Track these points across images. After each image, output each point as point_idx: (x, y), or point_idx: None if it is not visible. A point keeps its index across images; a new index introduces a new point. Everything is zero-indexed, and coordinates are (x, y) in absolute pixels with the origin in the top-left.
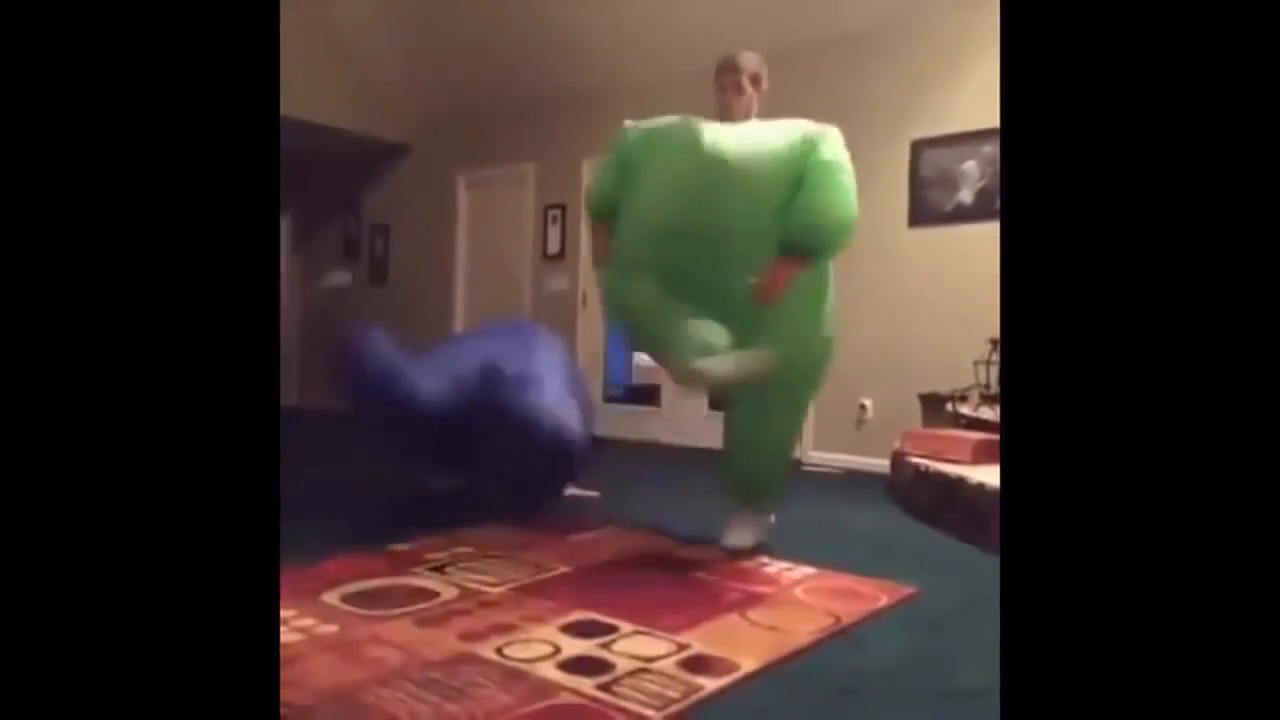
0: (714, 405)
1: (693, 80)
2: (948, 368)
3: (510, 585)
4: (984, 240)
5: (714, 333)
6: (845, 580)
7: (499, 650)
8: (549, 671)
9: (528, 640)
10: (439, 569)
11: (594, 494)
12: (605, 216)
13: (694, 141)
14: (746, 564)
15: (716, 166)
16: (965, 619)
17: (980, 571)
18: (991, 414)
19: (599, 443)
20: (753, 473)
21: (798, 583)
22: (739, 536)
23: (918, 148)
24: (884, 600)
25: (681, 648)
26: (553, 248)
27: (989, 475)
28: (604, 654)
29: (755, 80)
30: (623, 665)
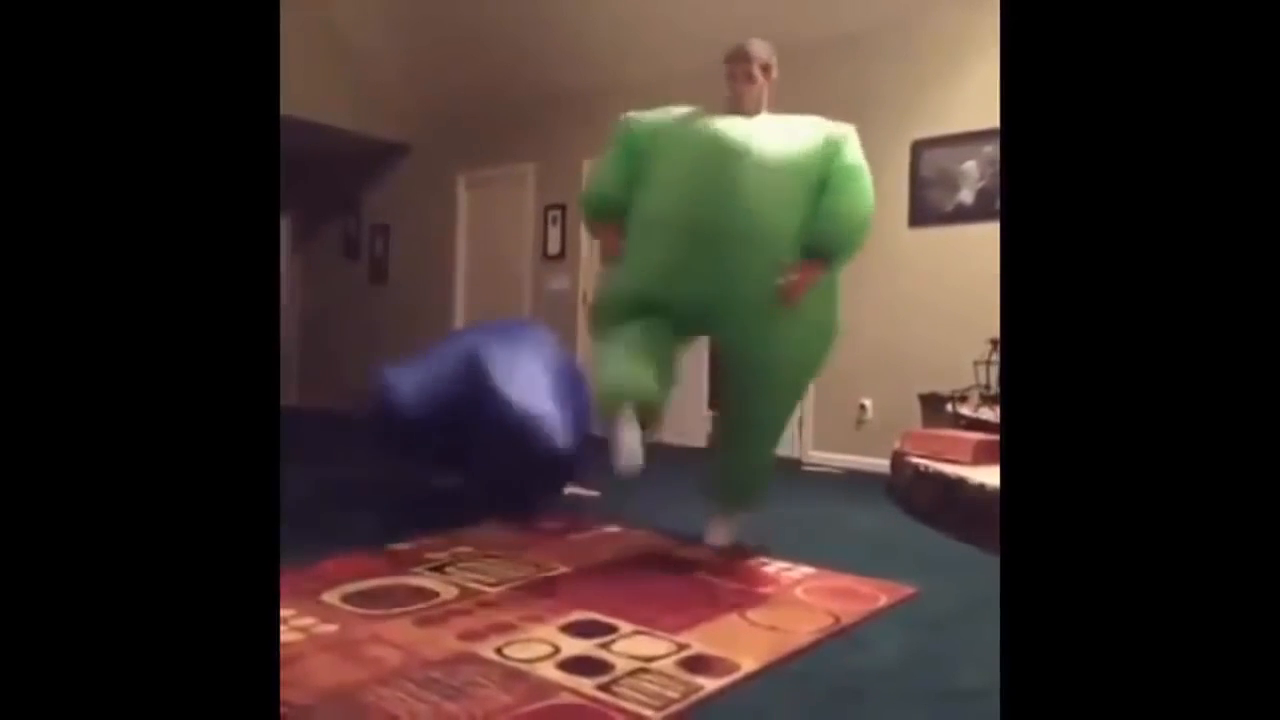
0: (714, 405)
1: (693, 79)
2: (948, 368)
3: (510, 585)
4: (984, 240)
5: (637, 375)
6: (845, 580)
7: (499, 650)
8: (549, 671)
9: (527, 640)
10: (439, 569)
11: (594, 494)
12: (607, 212)
13: (712, 136)
14: (746, 564)
15: (737, 163)
16: (965, 619)
17: (980, 571)
18: (991, 414)
19: (599, 442)
20: (743, 470)
21: (797, 583)
22: (718, 535)
23: (918, 148)
24: (884, 600)
25: (681, 648)
26: (553, 248)
27: (989, 476)
28: (604, 654)
29: (766, 69)
30: (622, 665)
